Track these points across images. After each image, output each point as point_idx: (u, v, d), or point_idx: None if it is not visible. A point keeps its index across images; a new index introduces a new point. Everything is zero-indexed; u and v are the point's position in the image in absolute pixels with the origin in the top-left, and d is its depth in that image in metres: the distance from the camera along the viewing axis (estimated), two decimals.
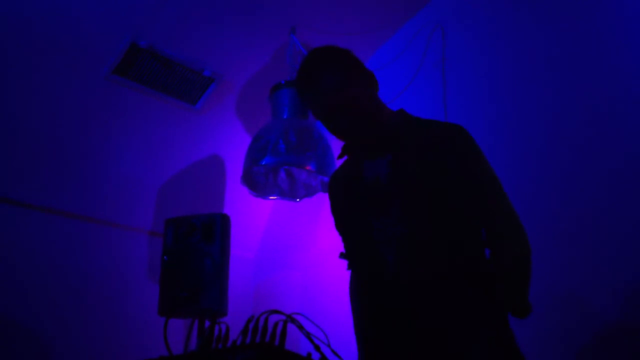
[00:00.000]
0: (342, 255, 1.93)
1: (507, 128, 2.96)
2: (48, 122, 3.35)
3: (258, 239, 4.19)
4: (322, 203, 3.66)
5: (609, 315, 2.32)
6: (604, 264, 2.39)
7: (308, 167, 3.14)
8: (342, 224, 1.92)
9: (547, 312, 2.43)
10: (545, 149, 2.76)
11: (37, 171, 3.38)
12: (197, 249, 2.97)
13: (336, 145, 1.86)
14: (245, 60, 3.64)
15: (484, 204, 1.72)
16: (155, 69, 3.44)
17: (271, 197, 3.49)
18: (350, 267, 1.90)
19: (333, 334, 1.76)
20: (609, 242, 2.39)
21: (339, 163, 2.03)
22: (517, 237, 1.72)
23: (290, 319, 1.30)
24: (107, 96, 3.45)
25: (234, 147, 3.91)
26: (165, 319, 1.59)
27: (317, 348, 1.54)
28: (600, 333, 2.34)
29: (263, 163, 3.15)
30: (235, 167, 3.90)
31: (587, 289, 2.43)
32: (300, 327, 1.49)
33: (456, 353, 1.59)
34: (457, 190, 1.70)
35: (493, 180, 1.76)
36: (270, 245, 4.16)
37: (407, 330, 1.64)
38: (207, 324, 2.71)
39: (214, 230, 2.95)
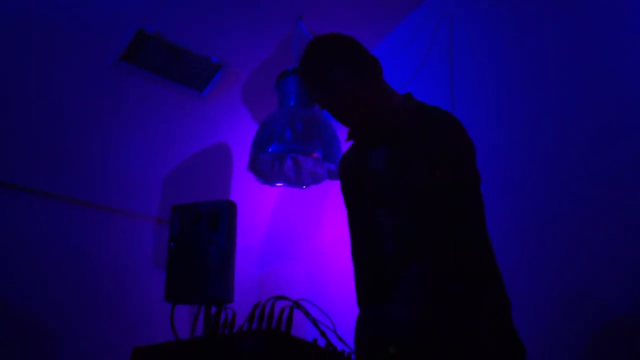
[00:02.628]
0: None
1: (515, 119, 2.95)
2: (54, 108, 3.36)
3: (264, 226, 4.20)
4: (328, 190, 3.67)
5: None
6: (614, 259, 2.39)
7: (314, 155, 3.15)
8: (348, 211, 1.95)
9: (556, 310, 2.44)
10: (554, 137, 2.75)
11: (44, 157, 3.39)
12: (203, 236, 2.99)
13: (343, 131, 1.88)
14: (253, 47, 3.63)
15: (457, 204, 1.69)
16: (162, 55, 3.44)
17: (277, 185, 3.50)
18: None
19: (339, 320, 1.77)
20: (621, 233, 2.39)
21: (346, 146, 2.03)
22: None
23: (296, 304, 1.30)
24: (113, 83, 3.45)
25: (241, 134, 3.91)
26: (172, 305, 1.61)
27: (323, 334, 1.55)
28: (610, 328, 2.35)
29: (269, 150, 3.16)
30: (241, 154, 3.90)
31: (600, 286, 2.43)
32: (306, 313, 1.50)
33: (451, 347, 1.58)
34: (444, 185, 1.67)
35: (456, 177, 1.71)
36: (276, 232, 4.17)
37: (404, 326, 1.64)
38: (213, 310, 2.72)
39: (221, 217, 2.96)
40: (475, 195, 1.77)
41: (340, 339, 1.62)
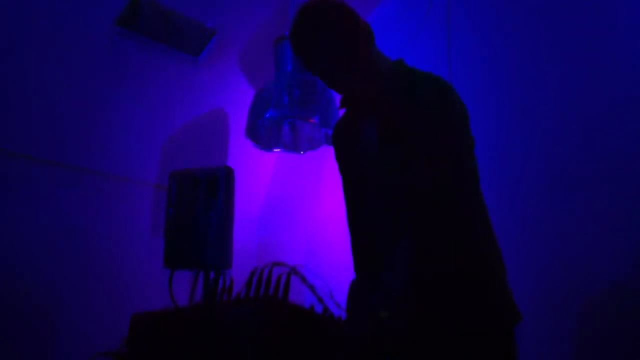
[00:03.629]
0: None
1: (513, 88, 2.92)
2: (51, 76, 3.33)
3: (262, 192, 4.21)
4: (325, 156, 3.66)
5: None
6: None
7: (312, 120, 3.14)
8: (342, 177, 1.96)
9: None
10: (553, 108, 2.73)
11: (41, 125, 3.37)
12: (201, 202, 3.00)
13: (340, 96, 1.88)
14: (248, 11, 3.59)
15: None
16: (157, 21, 3.40)
17: (275, 150, 3.50)
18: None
19: (336, 287, 1.79)
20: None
21: (343, 112, 2.02)
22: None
23: (293, 271, 1.31)
24: (109, 49, 3.42)
25: (238, 99, 3.89)
26: (171, 271, 1.62)
27: (320, 300, 1.56)
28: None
29: (267, 116, 3.15)
30: (239, 119, 3.89)
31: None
32: (303, 279, 1.51)
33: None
34: (436, 157, 1.65)
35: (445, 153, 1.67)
36: (274, 198, 4.17)
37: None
38: (211, 276, 2.74)
39: (218, 183, 2.97)
40: (470, 165, 1.74)
41: (337, 304, 1.63)
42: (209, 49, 3.64)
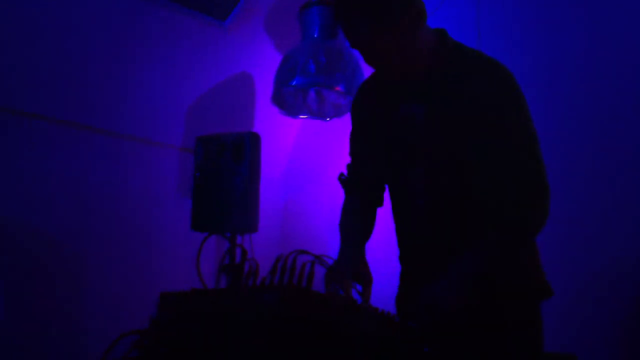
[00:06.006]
0: (341, 177, 1.94)
1: (546, 57, 2.86)
2: (76, 40, 3.36)
3: (287, 157, 4.24)
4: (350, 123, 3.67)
5: None
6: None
7: (337, 88, 3.15)
8: (370, 158, 1.89)
9: None
10: (586, 80, 2.70)
11: (67, 88, 3.40)
12: (227, 167, 3.05)
13: (366, 65, 1.82)
14: None
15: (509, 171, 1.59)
16: None
17: (301, 117, 3.52)
18: (347, 191, 1.93)
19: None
20: None
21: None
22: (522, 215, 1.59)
23: (318, 260, 1.35)
24: (134, 12, 3.43)
25: (264, 65, 3.89)
26: (200, 244, 1.65)
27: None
28: None
29: (293, 84, 3.16)
30: (265, 85, 3.90)
31: None
32: (328, 265, 1.56)
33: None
34: (488, 153, 1.60)
35: (523, 137, 1.62)
36: (299, 163, 4.21)
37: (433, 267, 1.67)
38: (238, 257, 2.79)
39: (244, 149, 3.01)
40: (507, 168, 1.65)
41: (358, 292, 1.66)
42: (235, 13, 3.64)
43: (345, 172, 1.95)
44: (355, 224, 1.85)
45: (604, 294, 2.46)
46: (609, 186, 2.55)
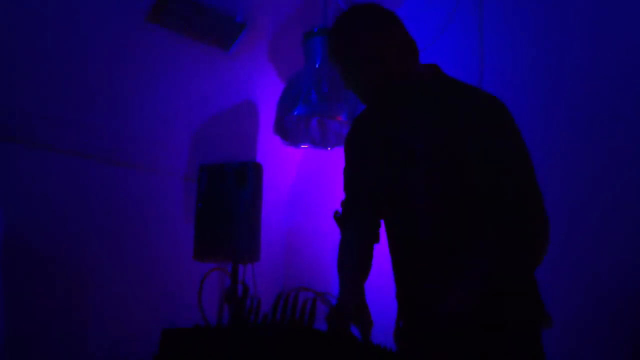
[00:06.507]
0: (336, 215, 1.97)
1: (549, 80, 2.88)
2: (81, 65, 3.38)
3: (289, 185, 4.24)
4: None
5: None
6: None
7: (339, 118, 3.16)
8: (368, 183, 1.92)
9: None
10: (595, 104, 2.70)
11: (69, 115, 3.42)
12: (230, 196, 3.06)
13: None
14: (278, 4, 3.60)
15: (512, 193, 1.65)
16: (187, 15, 3.43)
17: (303, 146, 3.52)
18: (343, 228, 1.95)
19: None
20: None
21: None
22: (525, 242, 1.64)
23: (319, 297, 1.35)
24: (139, 43, 3.46)
25: (267, 93, 3.91)
26: (200, 285, 1.65)
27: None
28: None
29: (295, 113, 3.18)
30: (267, 113, 3.91)
31: None
32: (329, 305, 1.56)
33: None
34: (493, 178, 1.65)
35: (519, 154, 1.69)
36: (301, 192, 4.20)
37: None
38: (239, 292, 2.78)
39: (247, 178, 3.02)
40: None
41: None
42: (239, 42, 3.67)
43: (339, 209, 1.98)
44: (354, 263, 1.86)
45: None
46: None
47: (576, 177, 2.67)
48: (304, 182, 4.19)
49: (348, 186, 1.98)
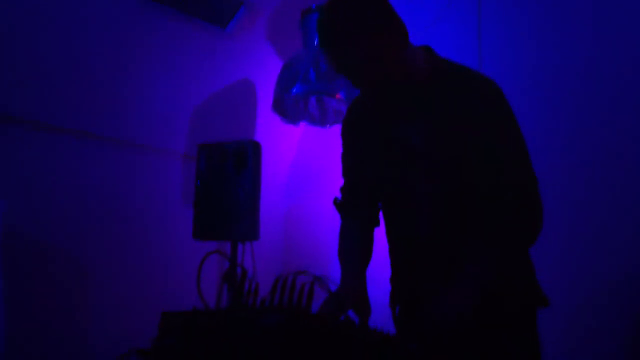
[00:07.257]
0: (336, 201, 1.96)
1: (547, 70, 2.85)
2: (78, 47, 3.36)
3: (289, 164, 4.24)
4: None
5: None
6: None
7: (338, 95, 3.15)
8: (367, 176, 1.90)
9: None
10: (586, 82, 2.69)
11: (71, 95, 3.41)
12: (229, 175, 3.05)
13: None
14: None
15: (503, 177, 1.66)
16: None
17: (302, 124, 3.51)
18: (343, 214, 1.94)
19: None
20: None
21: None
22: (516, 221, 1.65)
23: (317, 281, 1.36)
24: (136, 20, 3.43)
25: (265, 71, 3.89)
26: (198, 269, 1.64)
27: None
28: None
29: (294, 92, 3.16)
30: (266, 91, 3.90)
31: None
32: (327, 290, 1.56)
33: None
34: (485, 162, 1.65)
35: (517, 151, 1.69)
36: (300, 169, 4.20)
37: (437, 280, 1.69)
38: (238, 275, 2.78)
39: (246, 157, 3.02)
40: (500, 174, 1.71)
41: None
42: (237, 20, 3.64)
43: (339, 195, 1.97)
44: (355, 249, 1.86)
45: (604, 296, 2.45)
46: (610, 187, 2.55)
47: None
48: (303, 160, 4.19)
49: (347, 173, 1.97)
